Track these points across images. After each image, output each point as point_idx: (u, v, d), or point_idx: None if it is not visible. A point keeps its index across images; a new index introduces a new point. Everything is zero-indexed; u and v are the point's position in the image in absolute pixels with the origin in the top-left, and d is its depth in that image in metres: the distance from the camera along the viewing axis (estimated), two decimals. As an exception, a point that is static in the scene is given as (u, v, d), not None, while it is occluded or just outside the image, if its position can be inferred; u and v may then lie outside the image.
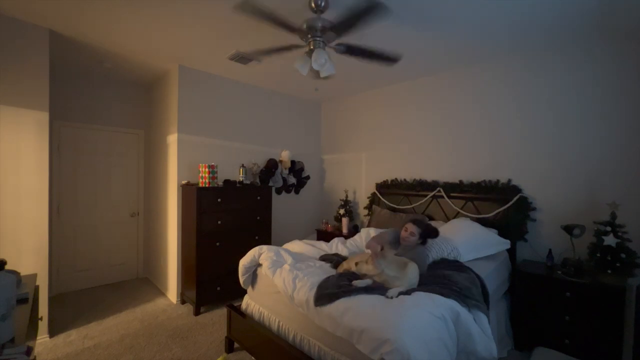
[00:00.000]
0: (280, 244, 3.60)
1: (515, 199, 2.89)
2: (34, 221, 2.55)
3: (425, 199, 3.55)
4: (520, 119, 3.00)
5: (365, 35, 2.51)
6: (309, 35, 2.07)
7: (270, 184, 4.12)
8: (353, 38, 2.32)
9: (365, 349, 1.46)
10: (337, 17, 1.98)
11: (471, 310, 1.76)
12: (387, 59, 2.38)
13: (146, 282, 4.12)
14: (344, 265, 2.21)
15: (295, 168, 4.54)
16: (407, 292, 1.79)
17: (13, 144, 2.46)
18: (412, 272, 1.92)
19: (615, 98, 2.51)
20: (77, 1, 2.24)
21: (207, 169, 3.19)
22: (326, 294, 1.80)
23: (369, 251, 2.58)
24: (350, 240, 2.99)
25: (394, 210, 3.81)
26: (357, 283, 1.86)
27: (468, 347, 1.61)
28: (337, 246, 2.86)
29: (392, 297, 1.73)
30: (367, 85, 4.15)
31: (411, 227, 2.38)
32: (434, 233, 2.40)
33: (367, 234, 3.01)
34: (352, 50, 2.28)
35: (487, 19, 2.37)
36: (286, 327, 2.11)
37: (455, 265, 2.27)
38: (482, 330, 1.71)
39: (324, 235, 4.20)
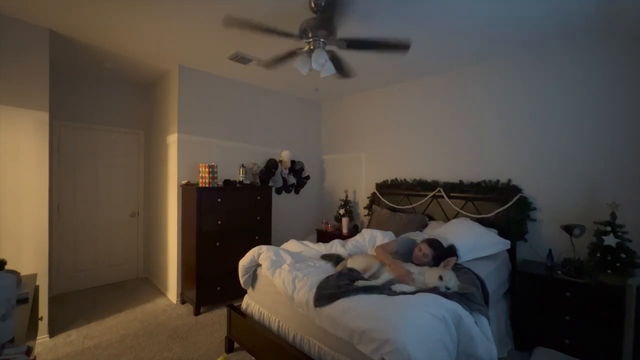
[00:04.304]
0: (280, 244, 3.59)
1: (515, 199, 2.89)
2: (34, 221, 2.55)
3: (425, 199, 3.55)
4: (520, 119, 3.00)
5: (369, 35, 2.51)
6: (309, 35, 2.07)
7: (270, 184, 4.12)
8: (356, 33, 2.33)
9: (366, 349, 1.46)
10: (358, 36, 2.02)
11: (473, 313, 1.76)
12: (396, 47, 2.25)
13: (146, 282, 4.12)
14: (347, 264, 2.20)
15: (295, 168, 4.54)
16: (411, 293, 1.80)
17: (13, 144, 2.46)
18: (451, 279, 1.89)
19: (617, 98, 2.50)
20: (77, 1, 2.24)
21: (207, 169, 3.19)
22: (326, 294, 1.80)
23: (372, 253, 2.56)
24: (351, 241, 2.94)
25: (394, 210, 3.81)
26: (398, 287, 1.83)
27: (469, 350, 1.61)
28: (336, 248, 2.83)
29: (395, 292, 1.75)
30: (367, 85, 4.15)
31: (425, 248, 2.27)
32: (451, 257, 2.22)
33: (370, 235, 2.95)
34: (355, 44, 2.24)
35: (487, 19, 2.37)
36: (286, 327, 2.11)
37: (456, 266, 2.27)
38: (483, 332, 1.71)
39: (324, 235, 4.20)
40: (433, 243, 2.30)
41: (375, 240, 2.89)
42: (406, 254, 2.38)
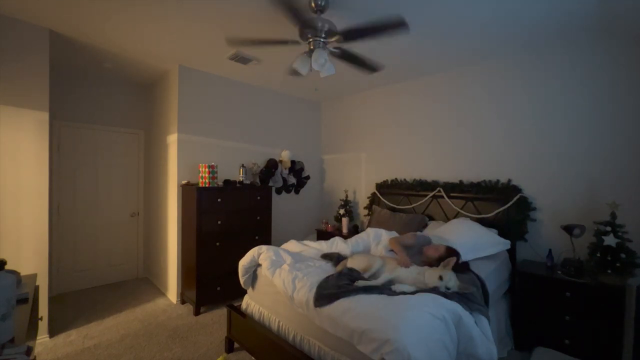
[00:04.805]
0: (280, 244, 3.59)
1: (515, 199, 2.89)
2: (34, 221, 2.55)
3: (425, 199, 3.55)
4: (520, 119, 3.00)
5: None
6: (309, 35, 2.07)
7: (270, 184, 4.12)
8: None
9: (366, 349, 1.46)
10: (353, 25, 1.99)
11: (473, 313, 1.76)
12: (370, 68, 2.43)
13: (146, 282, 4.12)
14: (347, 264, 2.20)
15: (295, 168, 4.54)
16: (411, 293, 1.80)
17: (13, 144, 2.46)
18: (451, 279, 1.88)
19: (617, 98, 2.50)
20: (77, 1, 2.24)
21: (207, 169, 3.19)
22: (326, 294, 1.80)
23: (379, 253, 2.57)
24: (356, 238, 2.91)
25: (394, 210, 3.81)
26: (398, 287, 1.83)
27: (469, 350, 1.61)
28: (337, 245, 2.82)
29: (395, 292, 1.75)
30: (367, 85, 4.15)
31: (442, 249, 2.28)
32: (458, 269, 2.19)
33: (375, 233, 2.94)
34: (345, 56, 2.28)
35: (487, 19, 2.37)
36: (286, 327, 2.11)
37: (455, 265, 2.26)
38: (483, 332, 1.71)
39: (324, 236, 4.19)
40: (451, 250, 2.29)
41: (380, 237, 2.89)
42: (420, 248, 2.45)
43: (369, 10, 2.23)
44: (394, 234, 2.94)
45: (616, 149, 2.50)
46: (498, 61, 3.12)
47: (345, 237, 3.61)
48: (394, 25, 1.87)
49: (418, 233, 2.73)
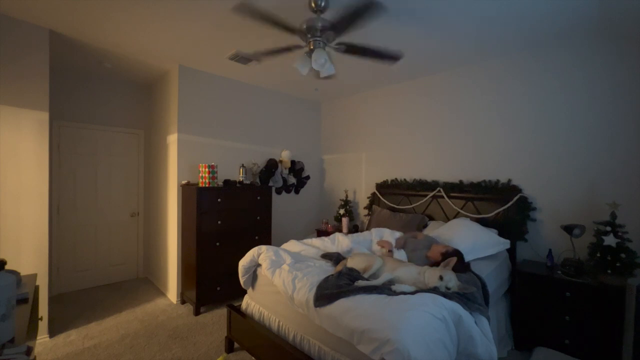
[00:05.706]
0: (280, 244, 3.59)
1: (515, 199, 2.89)
2: (34, 221, 2.55)
3: (425, 199, 3.55)
4: (520, 119, 3.00)
5: (369, 34, 2.52)
6: (309, 36, 2.07)
7: (270, 184, 4.12)
8: (355, 38, 2.33)
9: (366, 349, 1.46)
10: (334, 17, 1.99)
11: (473, 313, 1.75)
12: (389, 57, 2.36)
13: (146, 282, 4.12)
14: (347, 264, 2.19)
15: (295, 168, 4.54)
16: (411, 293, 1.80)
17: (13, 144, 2.46)
18: (451, 279, 1.88)
19: (617, 98, 2.50)
20: (77, 1, 2.24)
21: (207, 169, 3.19)
22: (326, 294, 1.80)
23: (377, 249, 2.60)
24: (359, 235, 2.95)
25: (394, 210, 3.81)
26: (398, 287, 1.83)
27: (468, 350, 1.61)
28: (338, 239, 2.83)
29: (395, 292, 1.76)
30: (367, 85, 4.15)
31: (451, 250, 2.30)
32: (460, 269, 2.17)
33: (377, 231, 2.99)
34: (352, 50, 2.27)
35: (488, 19, 2.37)
36: (286, 327, 2.11)
37: (457, 266, 2.26)
38: (484, 333, 1.71)
39: (324, 236, 4.19)
40: (457, 252, 2.30)
41: (382, 234, 2.93)
42: (430, 244, 2.50)
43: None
44: (397, 233, 2.95)
45: (616, 149, 2.50)
46: (498, 61, 3.12)
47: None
48: (370, 7, 1.87)
49: (427, 234, 2.79)
